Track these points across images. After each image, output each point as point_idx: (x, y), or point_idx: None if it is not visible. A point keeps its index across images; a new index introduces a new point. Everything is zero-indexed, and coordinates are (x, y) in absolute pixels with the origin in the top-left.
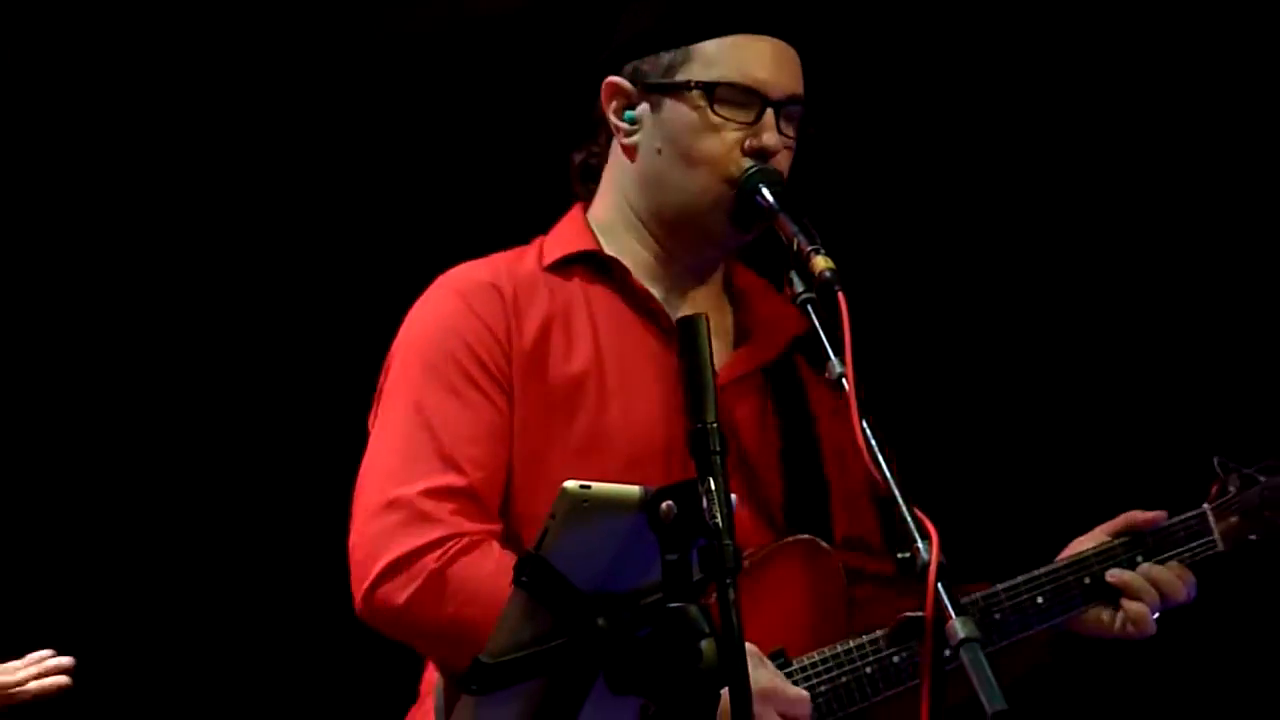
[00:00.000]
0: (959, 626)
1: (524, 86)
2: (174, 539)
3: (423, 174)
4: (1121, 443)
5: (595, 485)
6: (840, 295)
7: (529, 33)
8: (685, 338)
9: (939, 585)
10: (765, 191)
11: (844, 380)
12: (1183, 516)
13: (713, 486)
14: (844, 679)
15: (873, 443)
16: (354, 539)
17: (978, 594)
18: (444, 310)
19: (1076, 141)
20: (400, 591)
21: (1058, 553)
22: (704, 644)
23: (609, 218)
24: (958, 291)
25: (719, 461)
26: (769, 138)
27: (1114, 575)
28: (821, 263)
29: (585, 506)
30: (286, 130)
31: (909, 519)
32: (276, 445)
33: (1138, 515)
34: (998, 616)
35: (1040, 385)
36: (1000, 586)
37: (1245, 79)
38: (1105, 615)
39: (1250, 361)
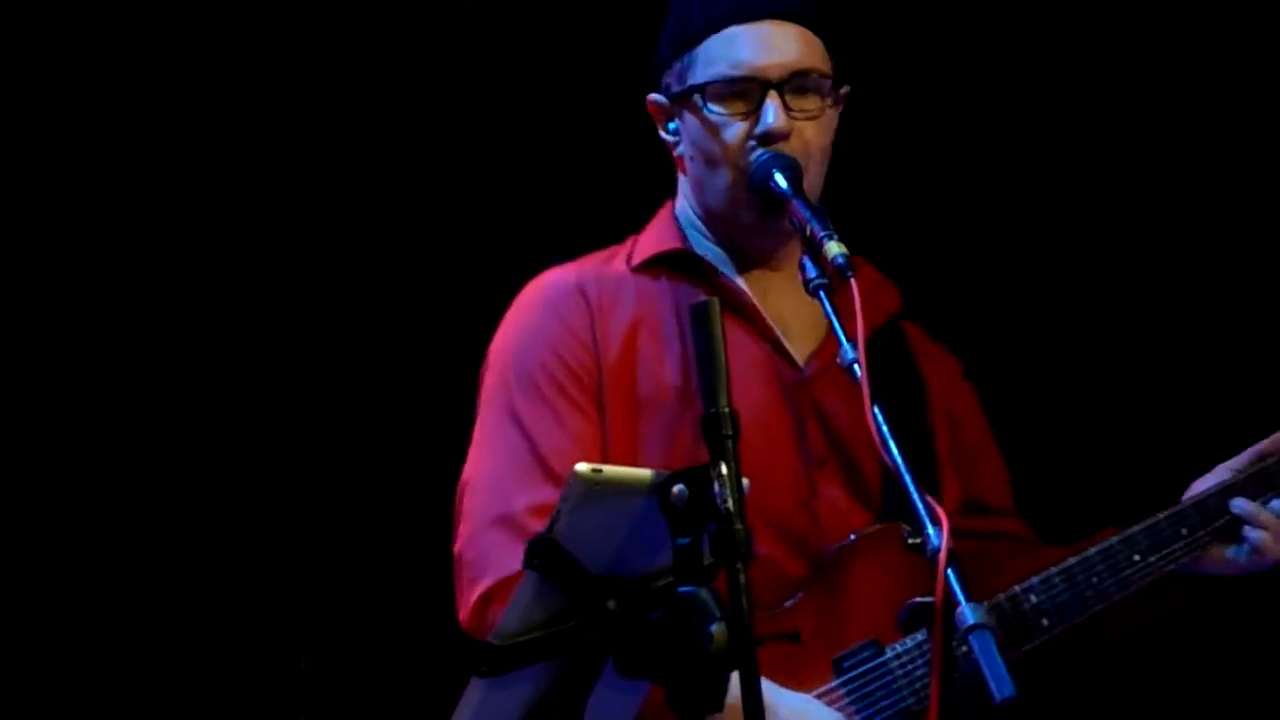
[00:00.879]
0: (968, 613)
1: (520, 90)
2: (173, 539)
3: (416, 170)
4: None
5: (607, 468)
6: (852, 281)
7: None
8: (697, 323)
9: (949, 571)
10: (778, 177)
11: (856, 367)
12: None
13: (724, 471)
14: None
15: (884, 428)
16: (461, 553)
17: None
18: (534, 321)
19: (1068, 129)
20: None
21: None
22: (714, 628)
23: (685, 219)
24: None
25: (731, 446)
26: (773, 119)
27: (1239, 506)
28: (835, 248)
29: (598, 489)
30: (282, 125)
31: (920, 506)
32: (279, 445)
33: (1267, 445)
34: (1095, 580)
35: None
36: (1113, 539)
37: (1243, 78)
38: (1229, 552)
39: None
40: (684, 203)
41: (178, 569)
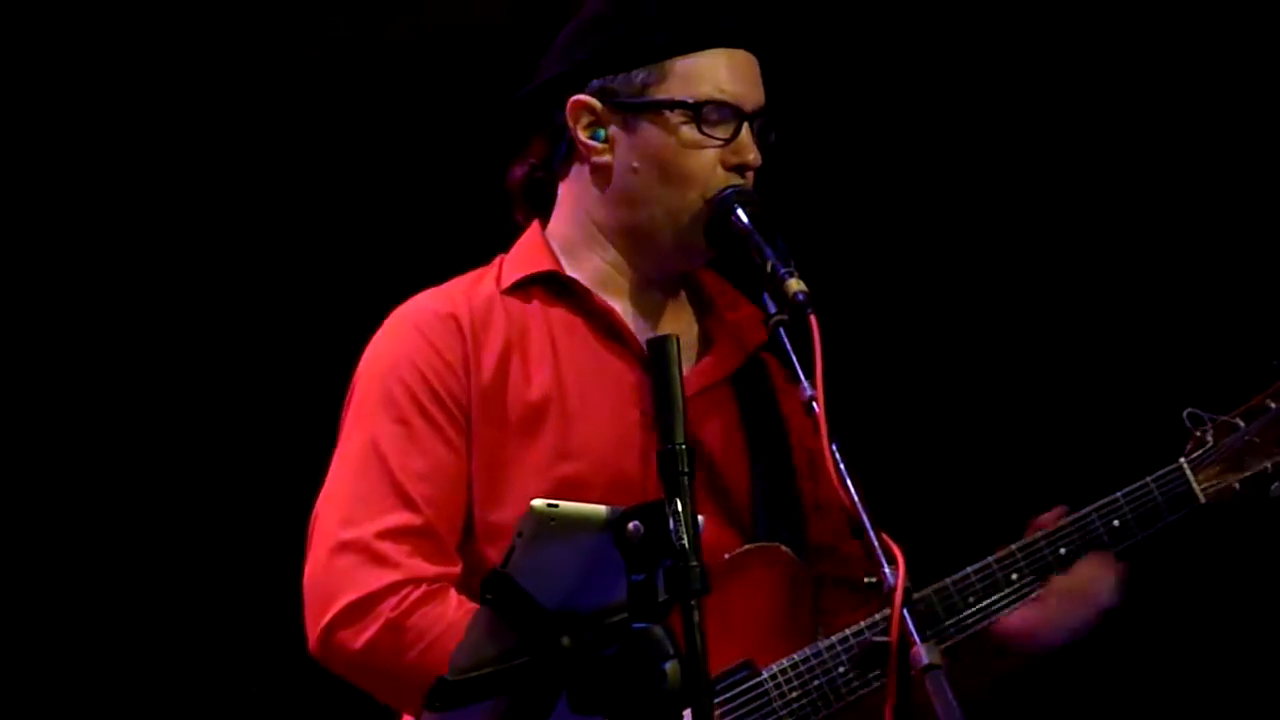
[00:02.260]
0: (924, 653)
1: (504, 98)
2: (172, 539)
3: (402, 182)
4: (1083, 416)
5: (563, 504)
6: (812, 318)
7: (509, 44)
8: (655, 358)
9: (904, 611)
10: (740, 213)
11: (814, 404)
12: (1157, 474)
13: (680, 507)
14: (816, 682)
15: (841, 467)
16: (309, 578)
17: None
18: (401, 344)
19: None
20: (356, 637)
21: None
22: (668, 665)
23: (571, 234)
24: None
25: (687, 483)
26: (752, 154)
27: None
28: (795, 285)
29: (552, 525)
30: (267, 138)
31: (875, 544)
32: (225, 468)
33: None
34: (971, 599)
35: (1001, 366)
36: (949, 580)
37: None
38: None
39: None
40: (574, 218)
41: (125, 592)
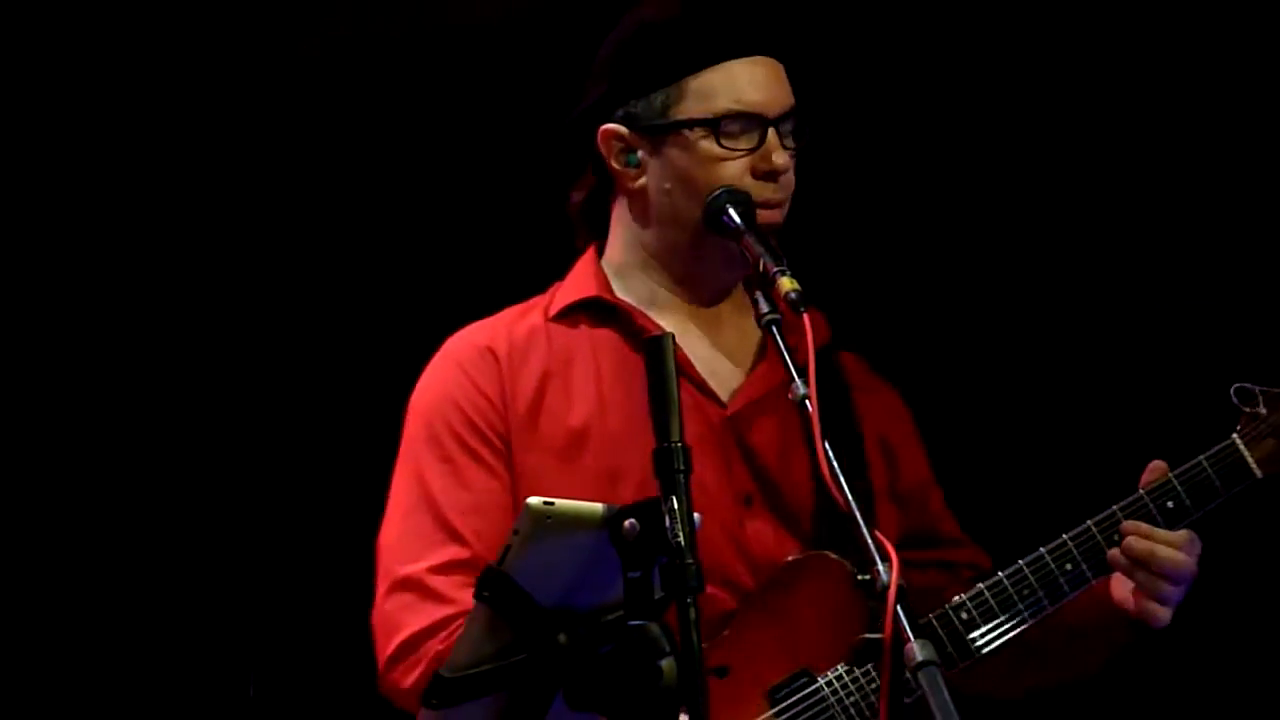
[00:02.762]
0: (918, 650)
1: (505, 97)
2: (168, 542)
3: (404, 181)
4: (1135, 402)
5: (559, 502)
6: (805, 317)
7: (511, 43)
8: (650, 357)
9: (898, 608)
10: (732, 212)
11: (807, 402)
12: (1210, 452)
13: (676, 505)
14: (875, 686)
15: (834, 465)
16: (372, 619)
17: (1000, 573)
18: (444, 380)
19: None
20: (408, 675)
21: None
22: (664, 663)
23: (622, 258)
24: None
25: (683, 480)
26: (778, 158)
27: (1111, 554)
28: (787, 284)
29: (549, 523)
30: (267, 136)
31: (870, 542)
32: (225, 466)
33: (1161, 464)
34: (1026, 592)
35: (1043, 357)
36: (1022, 561)
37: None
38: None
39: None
40: (625, 243)
41: (122, 591)
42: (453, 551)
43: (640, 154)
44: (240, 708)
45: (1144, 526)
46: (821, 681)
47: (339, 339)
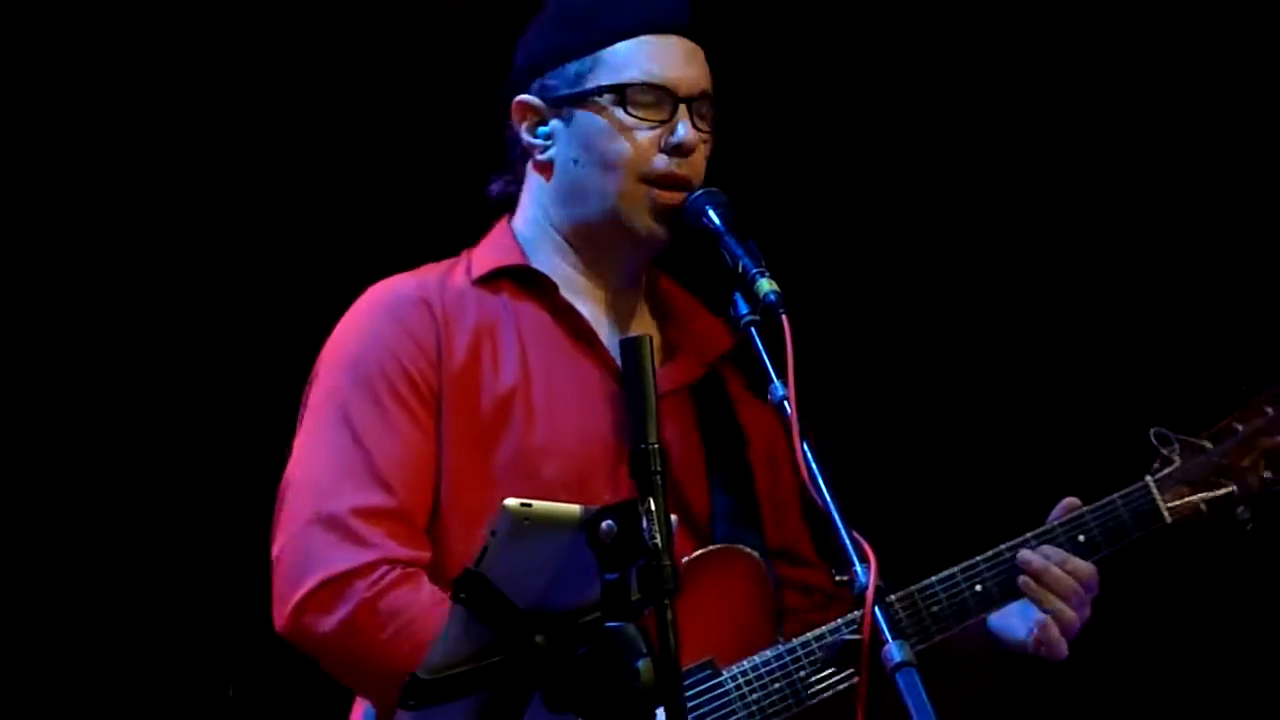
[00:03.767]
0: (895, 651)
1: (487, 86)
2: (147, 541)
3: (392, 170)
4: (1052, 432)
5: (536, 503)
6: (784, 318)
7: (496, 32)
8: (628, 358)
9: (876, 609)
10: (711, 214)
11: (786, 403)
12: (1124, 491)
13: (653, 507)
14: (777, 684)
15: (813, 466)
16: (280, 551)
17: (911, 588)
18: (375, 326)
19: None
20: (328, 618)
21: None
22: (641, 664)
23: (532, 233)
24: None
25: (660, 482)
26: (685, 133)
27: (1023, 556)
28: (766, 285)
29: (526, 524)
30: (254, 129)
31: (847, 543)
32: (200, 467)
33: (1075, 501)
34: (935, 609)
35: (968, 381)
36: (934, 578)
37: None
38: (1015, 620)
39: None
40: (533, 217)
41: (101, 593)
42: (379, 498)
43: (552, 125)
44: (220, 708)
45: (1059, 551)
46: (725, 675)
47: (307, 334)
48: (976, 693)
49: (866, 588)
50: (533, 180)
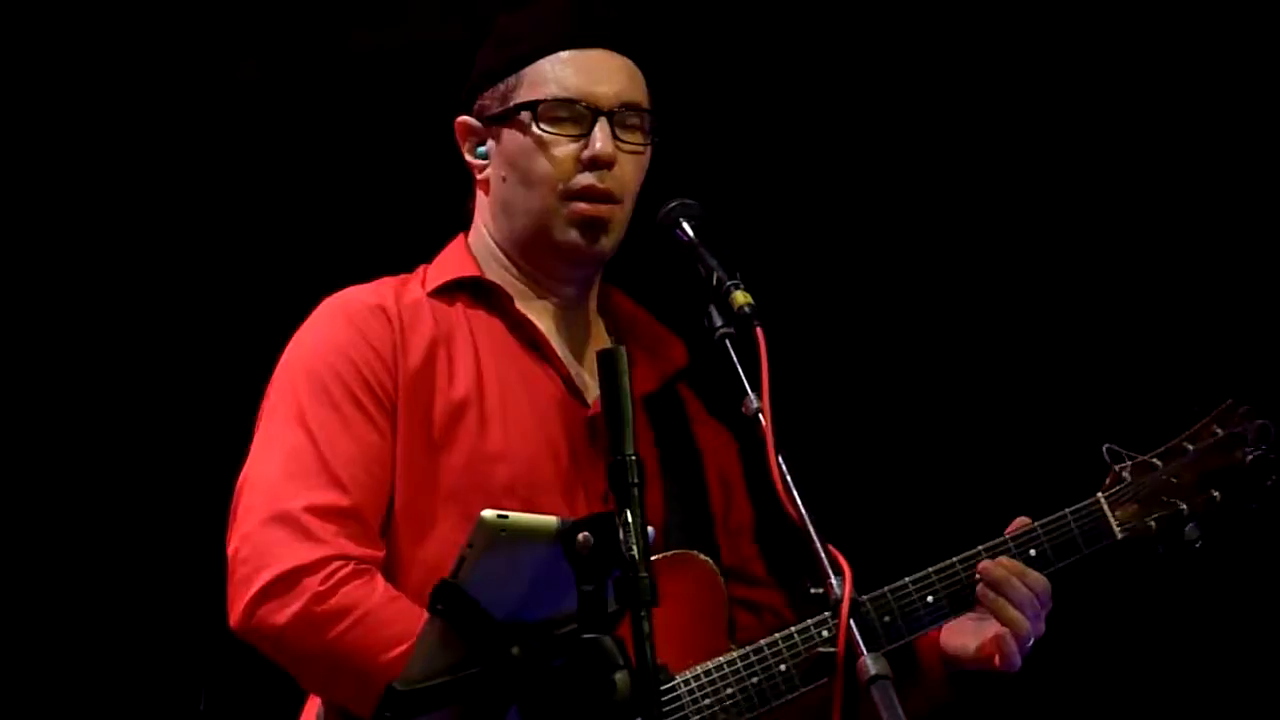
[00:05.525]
0: (870, 663)
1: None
2: (72, 569)
3: (362, 193)
4: (1006, 444)
5: (513, 515)
6: (759, 330)
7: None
8: (605, 370)
9: (851, 622)
10: (685, 226)
11: (760, 415)
12: (1075, 506)
13: (630, 518)
14: (729, 690)
15: (788, 479)
16: (234, 550)
17: (864, 597)
18: (333, 332)
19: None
20: (280, 611)
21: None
22: (617, 675)
23: (481, 249)
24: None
25: (637, 494)
26: (601, 145)
27: (983, 565)
28: (741, 297)
29: (503, 536)
30: (226, 149)
31: (823, 555)
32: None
33: (1026, 520)
34: (887, 619)
35: (925, 389)
36: (887, 588)
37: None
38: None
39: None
40: (482, 233)
41: (73, 604)
42: (333, 496)
43: (488, 145)
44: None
45: (1015, 563)
46: (678, 679)
47: (270, 339)
48: (929, 710)
49: (842, 600)
50: (479, 198)
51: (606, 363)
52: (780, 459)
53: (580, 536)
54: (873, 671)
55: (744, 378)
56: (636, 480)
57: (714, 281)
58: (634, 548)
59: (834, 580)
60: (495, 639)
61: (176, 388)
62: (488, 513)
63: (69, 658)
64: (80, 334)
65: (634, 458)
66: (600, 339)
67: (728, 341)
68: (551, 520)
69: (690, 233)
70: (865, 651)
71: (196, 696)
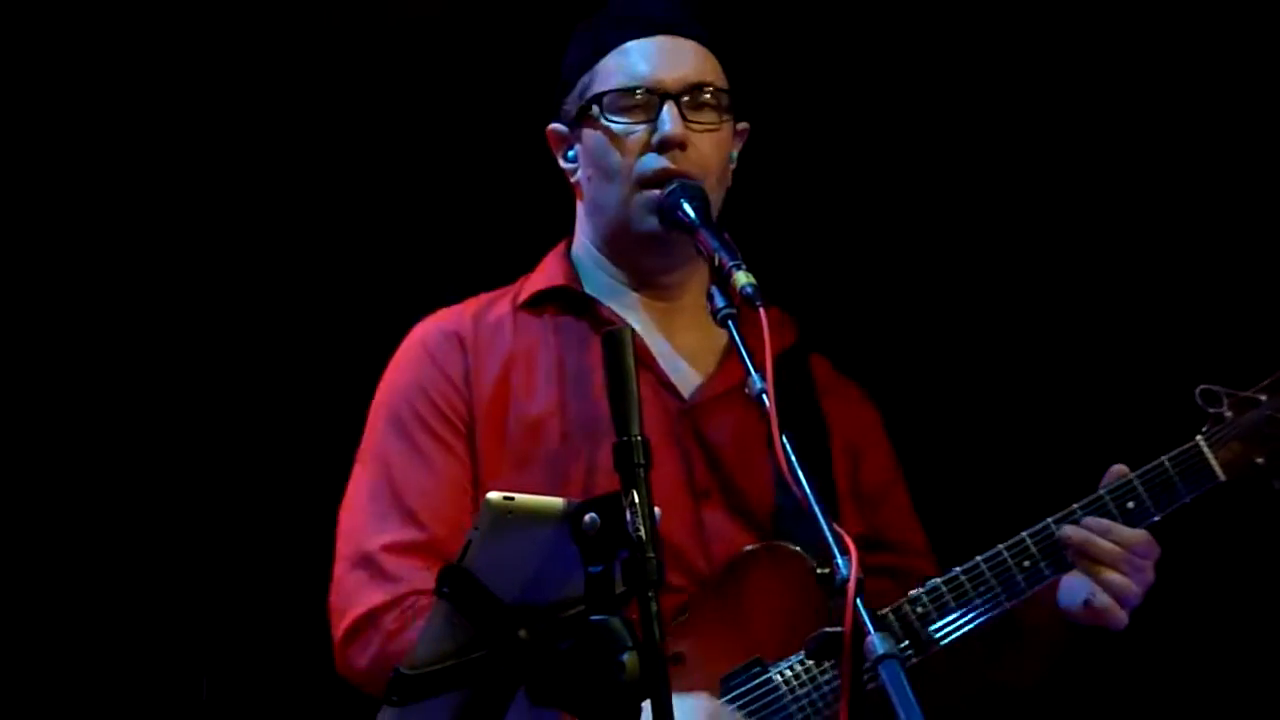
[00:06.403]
0: (877, 643)
1: (446, 89)
2: (73, 558)
3: (351, 175)
4: (1101, 400)
5: (519, 497)
6: (762, 311)
7: (451, 36)
8: (609, 351)
9: (858, 601)
10: (686, 207)
11: (764, 397)
12: (1172, 453)
13: (636, 499)
14: (827, 678)
15: (792, 458)
16: (329, 599)
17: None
18: (410, 364)
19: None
20: (362, 654)
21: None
22: (625, 657)
23: (581, 253)
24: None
25: (643, 474)
26: (670, 128)
27: (1062, 532)
28: (742, 279)
29: (509, 518)
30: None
31: (829, 535)
32: (183, 464)
33: (1123, 468)
34: (982, 588)
35: (1009, 355)
36: (1001, 546)
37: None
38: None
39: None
40: (581, 237)
41: (74, 594)
42: (410, 533)
43: (576, 148)
44: (194, 711)
45: (1101, 521)
46: (774, 672)
47: (296, 339)
48: (1053, 660)
49: (847, 580)
50: (578, 202)
51: (610, 344)
52: (785, 439)
53: (587, 518)
54: (880, 651)
55: (748, 359)
56: (642, 461)
57: (716, 262)
58: (641, 528)
59: (839, 560)
60: (503, 622)
61: (176, 387)
62: (493, 495)
63: (71, 648)
64: (81, 334)
65: (640, 438)
66: (706, 330)
67: (731, 323)
68: (557, 502)
69: (691, 214)
70: (872, 630)
71: (198, 686)
